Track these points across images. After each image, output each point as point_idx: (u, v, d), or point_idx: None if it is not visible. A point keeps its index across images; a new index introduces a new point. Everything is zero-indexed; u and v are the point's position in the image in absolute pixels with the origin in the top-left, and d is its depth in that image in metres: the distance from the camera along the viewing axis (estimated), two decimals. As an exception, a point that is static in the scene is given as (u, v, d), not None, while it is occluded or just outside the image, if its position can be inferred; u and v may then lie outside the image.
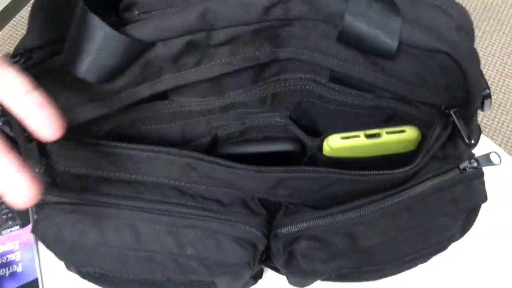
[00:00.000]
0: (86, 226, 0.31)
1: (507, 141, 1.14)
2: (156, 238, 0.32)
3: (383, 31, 0.28)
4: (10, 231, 0.47)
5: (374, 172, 0.31)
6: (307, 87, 0.35)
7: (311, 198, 0.34)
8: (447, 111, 0.31)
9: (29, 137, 0.30)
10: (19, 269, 0.45)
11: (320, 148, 0.35)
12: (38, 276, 0.45)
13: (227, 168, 0.31)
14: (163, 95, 0.33)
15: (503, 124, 1.16)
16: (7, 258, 0.46)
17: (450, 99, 0.30)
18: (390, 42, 0.28)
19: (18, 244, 0.46)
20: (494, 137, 1.14)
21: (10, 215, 0.47)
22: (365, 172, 0.31)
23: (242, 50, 0.31)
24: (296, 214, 0.34)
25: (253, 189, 0.33)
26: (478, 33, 1.28)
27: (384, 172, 0.31)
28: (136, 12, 0.30)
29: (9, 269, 0.45)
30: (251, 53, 0.31)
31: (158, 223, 0.32)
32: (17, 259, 0.46)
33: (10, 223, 0.47)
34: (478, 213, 0.35)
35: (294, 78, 0.34)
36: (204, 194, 0.33)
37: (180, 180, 0.32)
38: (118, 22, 0.30)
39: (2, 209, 0.48)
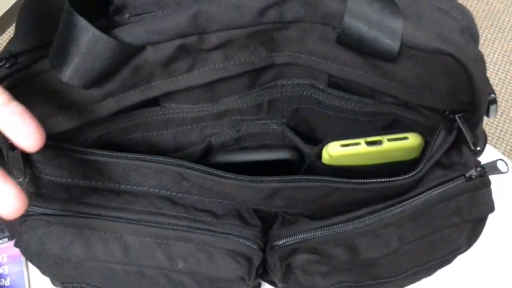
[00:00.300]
0: (72, 239, 0.30)
1: (510, 149, 1.12)
2: (145, 252, 0.30)
3: (384, 33, 0.27)
4: (-1, 243, 0.45)
5: (375, 180, 0.30)
6: (305, 93, 0.34)
7: (309, 208, 0.32)
8: (451, 116, 0.30)
9: (12, 146, 0.29)
10: (7, 283, 0.44)
11: (319, 156, 0.34)
12: (27, 290, 0.43)
13: (219, 178, 0.30)
14: (154, 101, 0.32)
15: (506, 132, 1.15)
16: (-5, 272, 0.44)
17: (454, 103, 0.29)
18: (391, 43, 0.27)
19: (6, 257, 0.45)
20: (497, 145, 1.13)
21: (-2, 227, 0.46)
22: (365, 181, 0.30)
23: (236, 55, 0.29)
24: (293, 225, 0.32)
25: (247, 199, 0.32)
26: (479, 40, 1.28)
27: (385, 180, 0.30)
28: (127, 15, 0.29)
29: (-4, 283, 0.44)
30: (246, 57, 0.30)
31: (147, 236, 0.30)
32: (5, 273, 0.44)
33: (-2, 235, 0.46)
34: (485, 224, 0.34)
35: (291, 83, 0.33)
36: (197, 205, 0.32)
37: (171, 190, 0.31)
38: (107, 25, 0.29)
39: (-10, 222, 0.46)
